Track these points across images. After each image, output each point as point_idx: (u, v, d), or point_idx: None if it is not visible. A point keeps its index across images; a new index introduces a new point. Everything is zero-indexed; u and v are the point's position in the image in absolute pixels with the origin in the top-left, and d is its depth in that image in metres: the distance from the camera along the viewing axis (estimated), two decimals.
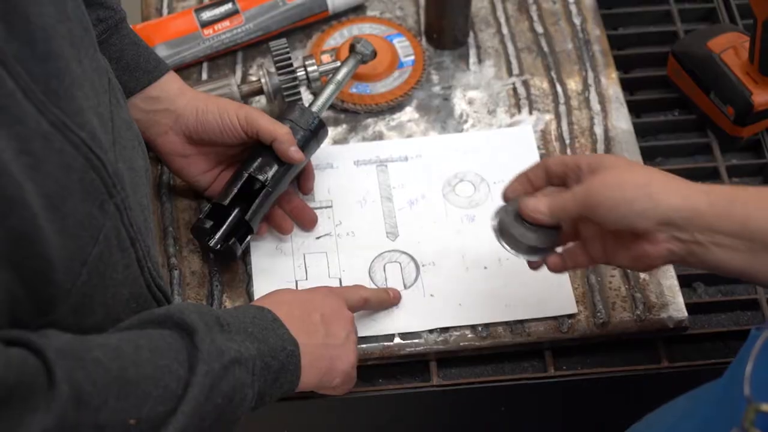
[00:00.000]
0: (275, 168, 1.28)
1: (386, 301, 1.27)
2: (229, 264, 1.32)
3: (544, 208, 1.10)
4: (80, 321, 0.93)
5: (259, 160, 1.28)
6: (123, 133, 1.06)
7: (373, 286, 1.31)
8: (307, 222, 1.34)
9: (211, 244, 1.28)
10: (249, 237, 1.29)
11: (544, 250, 1.14)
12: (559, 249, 1.16)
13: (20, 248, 0.83)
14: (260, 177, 1.27)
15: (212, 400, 0.95)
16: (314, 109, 1.34)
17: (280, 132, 1.27)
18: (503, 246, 1.15)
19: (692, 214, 1.02)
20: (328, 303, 1.16)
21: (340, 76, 1.38)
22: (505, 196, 1.17)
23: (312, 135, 1.32)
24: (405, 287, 1.31)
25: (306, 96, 1.46)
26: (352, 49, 1.41)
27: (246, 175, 1.28)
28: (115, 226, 0.96)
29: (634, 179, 1.04)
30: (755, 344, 0.86)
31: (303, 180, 1.36)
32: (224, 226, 1.28)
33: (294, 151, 1.27)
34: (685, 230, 1.03)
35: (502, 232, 1.15)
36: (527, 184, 1.16)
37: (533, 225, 1.12)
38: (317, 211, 1.36)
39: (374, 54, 1.41)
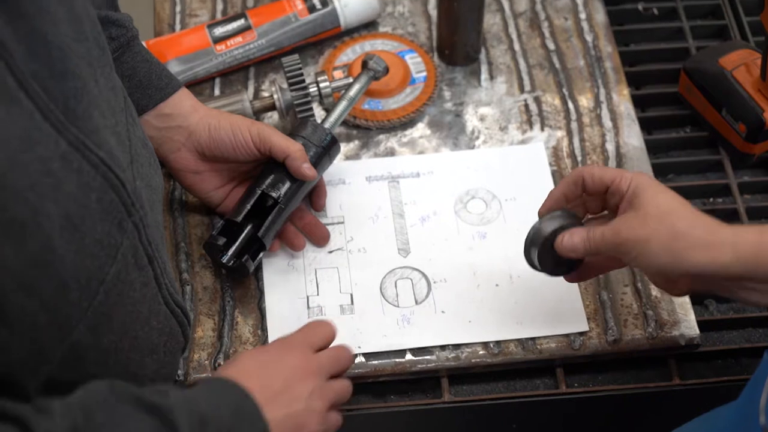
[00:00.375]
0: (288, 185, 1.28)
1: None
2: (242, 279, 1.32)
3: (582, 248, 1.13)
4: (98, 340, 0.93)
5: (271, 176, 1.28)
6: (140, 151, 1.06)
7: (385, 302, 1.31)
8: (319, 238, 1.35)
9: (223, 261, 1.28)
10: (261, 253, 1.29)
11: (573, 270, 1.20)
12: None
13: (38, 272, 0.83)
14: (273, 194, 1.28)
15: None
16: (327, 125, 1.34)
17: (292, 149, 1.27)
18: (530, 264, 1.20)
19: (716, 269, 1.04)
20: (288, 361, 1.11)
21: (352, 92, 1.38)
22: (540, 215, 1.19)
23: (324, 152, 1.32)
24: (416, 303, 1.31)
25: (318, 112, 1.47)
26: (364, 65, 1.41)
27: (259, 191, 1.28)
28: (133, 245, 0.96)
29: (659, 232, 1.06)
30: None
31: (315, 197, 1.36)
32: (237, 243, 1.28)
33: (307, 168, 1.27)
34: (710, 278, 1.06)
35: (531, 253, 1.19)
36: (563, 200, 1.18)
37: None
38: (329, 227, 1.36)
39: (386, 70, 1.42)
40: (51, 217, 0.84)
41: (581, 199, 1.18)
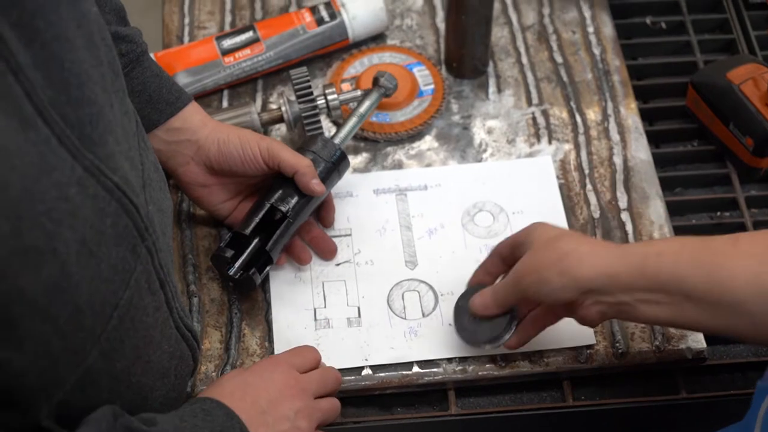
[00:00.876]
0: (296, 199, 1.28)
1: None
2: (249, 292, 1.32)
3: (491, 302, 1.19)
4: (111, 365, 0.93)
5: (280, 190, 1.29)
6: (152, 176, 1.06)
7: (392, 314, 1.31)
8: (326, 252, 1.35)
9: (230, 273, 1.28)
10: (268, 267, 1.29)
11: (503, 335, 1.22)
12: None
13: (54, 298, 0.83)
14: (282, 208, 1.28)
15: None
16: (336, 141, 1.34)
17: (301, 164, 1.27)
18: (467, 341, 1.26)
19: (608, 280, 1.09)
20: (273, 382, 1.13)
21: (362, 108, 1.38)
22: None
23: (334, 167, 1.32)
24: (423, 316, 1.31)
25: (326, 124, 1.47)
26: (375, 82, 1.41)
27: (268, 205, 1.28)
28: (146, 270, 0.96)
29: (548, 257, 1.12)
30: (761, 404, 0.87)
31: (324, 212, 1.36)
32: (244, 256, 1.28)
33: (315, 184, 1.27)
34: (607, 293, 1.10)
35: (462, 330, 1.25)
36: (487, 275, 1.25)
37: (486, 318, 1.22)
38: (336, 240, 1.37)
39: (396, 87, 1.42)
40: (67, 242, 0.84)
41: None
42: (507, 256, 1.21)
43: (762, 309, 1.01)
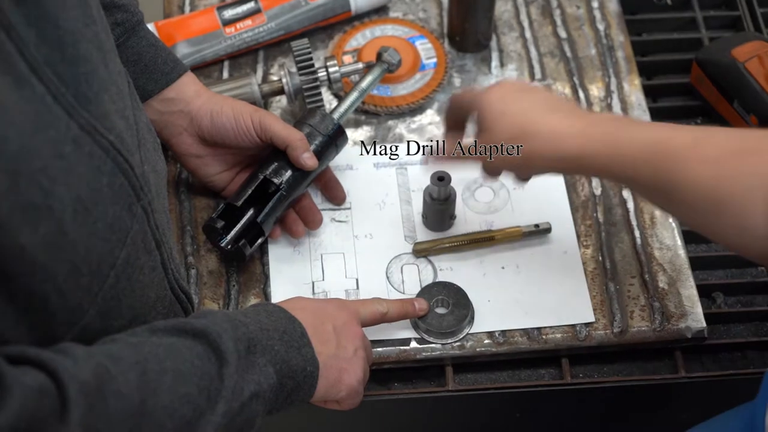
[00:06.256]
0: (290, 172, 1.28)
1: (409, 313, 1.25)
2: (247, 264, 1.32)
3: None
4: (108, 324, 0.94)
5: (275, 163, 1.28)
6: (145, 136, 1.06)
7: (390, 288, 1.30)
8: (311, 222, 1.34)
9: (221, 244, 1.27)
10: (260, 239, 1.29)
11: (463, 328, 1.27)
12: None
13: (51, 255, 0.83)
14: (275, 180, 1.27)
15: None
16: (336, 115, 1.34)
17: (293, 138, 1.27)
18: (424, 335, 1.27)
19: (574, 162, 1.10)
20: (340, 315, 1.14)
21: (364, 84, 1.37)
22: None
23: (330, 141, 1.31)
24: None
25: (327, 97, 1.46)
26: (378, 57, 1.40)
27: (261, 177, 1.27)
28: (142, 229, 0.96)
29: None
30: None
31: (330, 191, 1.36)
32: (236, 227, 1.28)
33: (307, 158, 1.27)
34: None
35: (423, 323, 1.26)
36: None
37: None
38: (336, 213, 1.36)
39: (400, 63, 1.41)
40: (63, 200, 0.84)
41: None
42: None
43: (709, 214, 0.99)
